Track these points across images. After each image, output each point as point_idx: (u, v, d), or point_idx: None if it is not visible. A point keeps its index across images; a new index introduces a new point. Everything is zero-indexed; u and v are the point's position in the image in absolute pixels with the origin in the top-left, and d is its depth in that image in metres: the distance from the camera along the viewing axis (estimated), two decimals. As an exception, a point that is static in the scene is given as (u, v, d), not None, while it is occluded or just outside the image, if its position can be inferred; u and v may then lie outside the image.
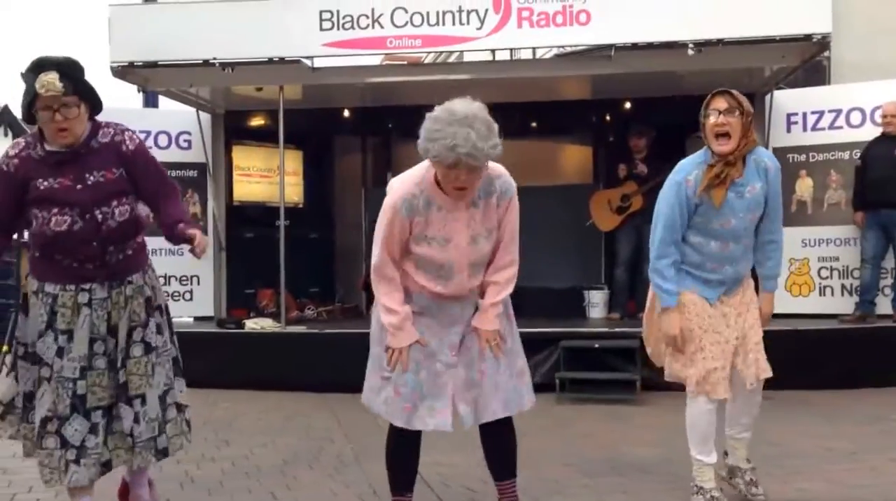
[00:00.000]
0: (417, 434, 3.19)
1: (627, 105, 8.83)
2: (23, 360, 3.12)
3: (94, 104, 3.11)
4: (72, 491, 3.15)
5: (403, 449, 3.24)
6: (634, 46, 6.78)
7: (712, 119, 3.41)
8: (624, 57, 6.85)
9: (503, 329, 3.18)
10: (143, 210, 3.22)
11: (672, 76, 7.49)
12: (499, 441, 3.23)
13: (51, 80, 2.90)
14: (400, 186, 3.04)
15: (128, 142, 3.14)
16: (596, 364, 6.73)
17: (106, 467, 3.13)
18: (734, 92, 3.46)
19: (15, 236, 3.23)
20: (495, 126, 2.89)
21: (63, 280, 3.03)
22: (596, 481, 4.09)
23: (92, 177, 3.02)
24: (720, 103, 3.42)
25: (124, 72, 7.40)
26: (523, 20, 6.78)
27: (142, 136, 9.10)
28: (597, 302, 8.43)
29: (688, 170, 3.49)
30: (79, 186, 3.00)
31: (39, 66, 2.94)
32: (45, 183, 2.99)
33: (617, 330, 7.23)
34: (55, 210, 2.96)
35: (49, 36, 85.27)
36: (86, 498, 3.19)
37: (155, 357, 3.16)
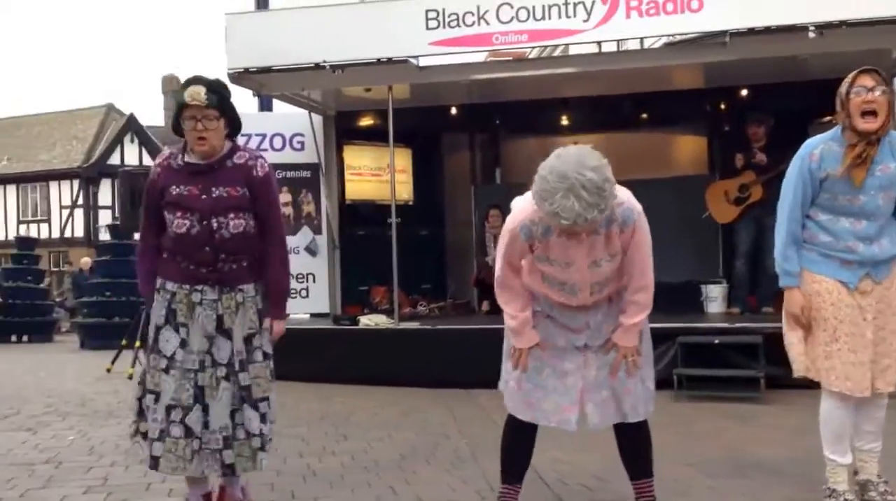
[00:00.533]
0: (533, 428, 3.22)
1: (744, 92, 8.55)
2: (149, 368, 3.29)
3: (234, 123, 3.32)
4: (189, 481, 3.34)
5: (517, 441, 3.27)
6: (751, 31, 6.55)
7: (861, 96, 3.25)
8: (739, 43, 6.62)
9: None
10: None
11: (792, 61, 7.20)
12: (632, 441, 3.24)
13: (197, 92, 3.16)
14: (520, 211, 3.05)
15: (259, 168, 3.31)
16: (715, 360, 6.54)
17: (229, 470, 3.25)
18: (880, 70, 3.32)
19: None
20: (608, 184, 2.73)
21: (180, 279, 3.24)
22: (720, 483, 3.97)
23: (217, 191, 3.23)
24: (867, 80, 3.26)
25: (240, 77, 7.67)
26: (631, 10, 6.66)
27: (257, 140, 9.51)
28: (715, 296, 8.19)
29: (813, 145, 3.37)
30: (203, 196, 3.21)
31: (191, 81, 3.22)
32: (178, 189, 3.24)
33: (738, 325, 7.00)
34: (179, 214, 3.20)
35: (173, 48, 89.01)
36: (199, 489, 3.35)
37: (272, 364, 3.32)
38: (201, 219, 3.18)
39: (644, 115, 9.33)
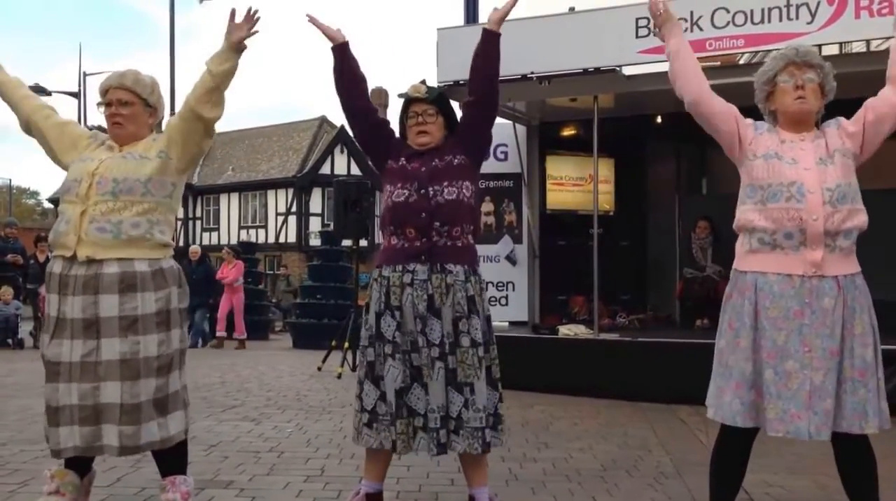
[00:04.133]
0: (748, 442, 3.02)
1: None
2: (373, 359, 3.40)
3: (452, 124, 3.57)
4: (369, 473, 3.45)
5: (730, 457, 3.07)
6: None
7: None
8: None
9: (867, 320, 2.87)
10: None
11: None
12: (854, 464, 2.95)
13: (418, 86, 3.51)
14: None
15: None
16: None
17: (442, 449, 3.32)
18: None
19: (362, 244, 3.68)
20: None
21: (394, 261, 3.38)
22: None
23: (434, 163, 3.44)
24: None
25: (450, 91, 7.89)
26: (861, 10, 6.25)
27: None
28: (947, 317, 7.48)
29: None
30: (423, 168, 3.42)
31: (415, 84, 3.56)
32: (401, 161, 3.48)
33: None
34: (399, 184, 3.41)
35: (383, 62, 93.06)
36: (372, 486, 3.43)
37: (482, 352, 3.33)
38: (420, 187, 3.36)
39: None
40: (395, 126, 3.67)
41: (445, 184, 3.37)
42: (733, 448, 3.06)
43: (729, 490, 3.13)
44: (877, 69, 7.06)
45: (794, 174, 2.87)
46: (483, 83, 3.55)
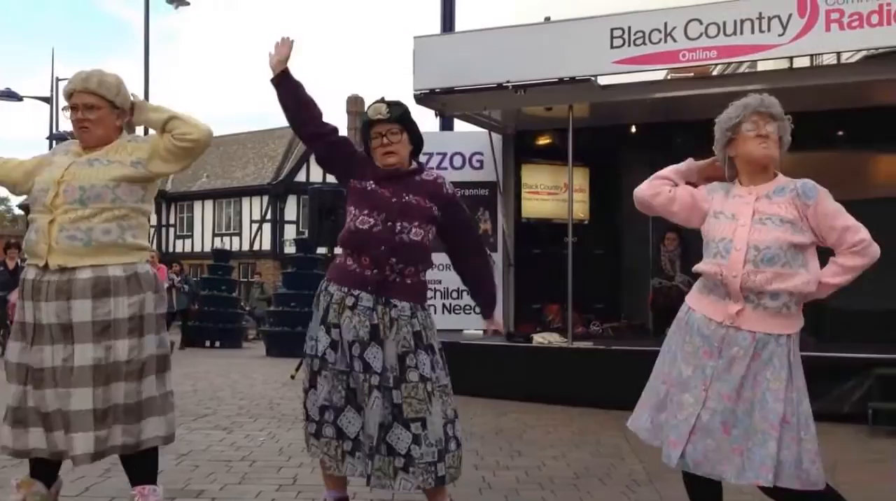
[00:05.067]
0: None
1: (953, 109, 7.90)
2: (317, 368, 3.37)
3: (416, 138, 3.47)
4: (329, 482, 3.42)
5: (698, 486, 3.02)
6: (964, 43, 6.08)
7: None
8: (951, 55, 6.17)
9: (783, 376, 2.82)
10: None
11: None
12: None
13: (379, 107, 3.37)
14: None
15: (448, 187, 3.49)
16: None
17: (387, 484, 3.24)
18: None
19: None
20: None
21: (342, 281, 3.33)
22: (921, 525, 3.70)
23: (407, 198, 3.34)
24: None
25: (426, 98, 7.94)
26: (832, 23, 6.35)
27: (438, 158, 9.78)
28: (919, 326, 7.60)
29: None
30: (394, 199, 3.33)
31: (374, 102, 3.43)
32: (369, 184, 3.37)
33: (943, 358, 6.47)
34: (366, 210, 3.31)
35: (358, 70, 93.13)
36: (337, 492, 3.42)
37: (431, 386, 3.27)
38: (386, 219, 3.27)
39: (840, 133, 8.81)
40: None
41: (416, 224, 3.30)
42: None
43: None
44: (847, 81, 7.23)
45: (728, 230, 2.91)
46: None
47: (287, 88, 3.45)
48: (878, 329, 7.50)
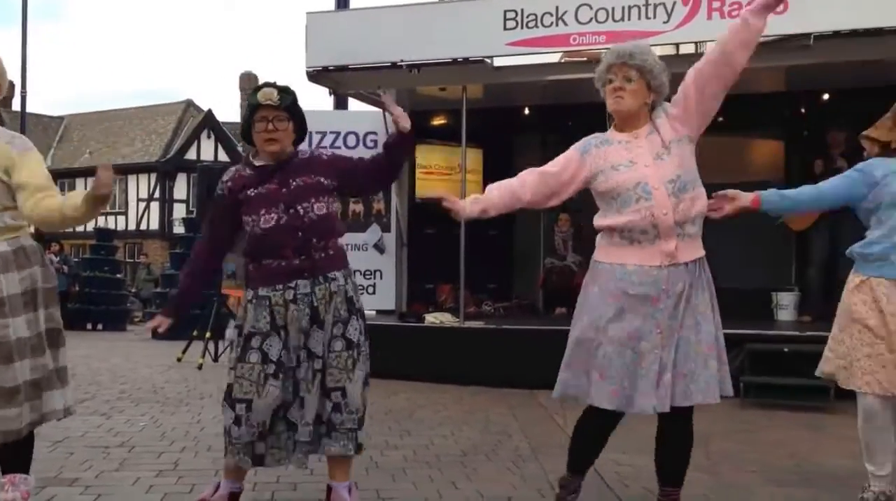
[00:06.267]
0: (614, 420, 3.13)
1: (825, 97, 8.32)
2: (232, 382, 3.27)
3: (301, 128, 3.43)
4: (228, 472, 3.36)
5: (593, 432, 3.19)
6: (836, 34, 6.38)
7: None
8: (823, 46, 6.46)
9: (707, 299, 3.03)
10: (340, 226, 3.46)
11: (876, 65, 6.98)
12: (675, 444, 3.12)
13: (270, 93, 3.30)
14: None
15: (324, 153, 3.53)
16: (784, 368, 6.40)
17: (313, 450, 3.30)
18: None
19: None
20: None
21: (273, 281, 3.27)
22: (785, 490, 3.90)
23: (294, 182, 3.32)
24: None
25: (318, 76, 7.80)
26: (713, 11, 6.56)
27: (332, 137, 9.63)
28: (786, 304, 8.02)
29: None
30: (283, 189, 3.30)
31: (263, 86, 3.36)
32: (255, 191, 3.31)
33: (808, 333, 6.83)
34: (263, 210, 3.26)
35: (252, 46, 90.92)
36: (234, 483, 3.35)
37: (356, 354, 3.30)
38: (287, 207, 3.25)
39: (720, 119, 9.12)
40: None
41: (313, 200, 3.28)
42: (597, 427, 3.17)
43: (586, 461, 3.28)
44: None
45: (636, 175, 2.99)
46: (392, 173, 3.54)
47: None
48: (749, 306, 7.87)
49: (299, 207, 3.26)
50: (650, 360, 2.96)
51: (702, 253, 3.06)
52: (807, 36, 6.46)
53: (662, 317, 2.97)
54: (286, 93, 3.33)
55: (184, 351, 9.40)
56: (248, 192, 3.30)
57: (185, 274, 3.50)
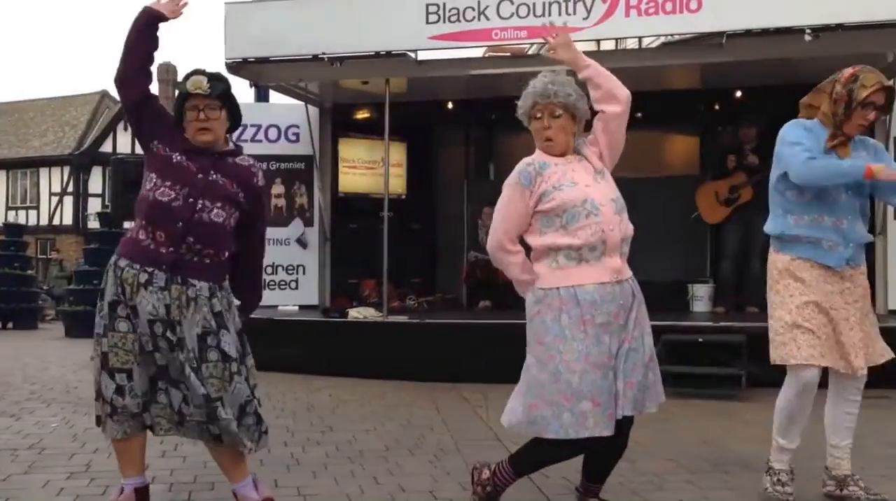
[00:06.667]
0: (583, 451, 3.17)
1: (738, 94, 8.56)
2: (107, 350, 3.16)
3: (235, 115, 3.31)
4: (127, 468, 3.29)
5: (564, 458, 3.21)
6: (748, 33, 6.58)
7: (869, 114, 3.38)
8: (736, 44, 6.65)
9: (645, 312, 3.14)
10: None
11: (787, 63, 7.22)
12: (613, 451, 3.20)
13: (200, 81, 3.18)
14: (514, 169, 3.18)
15: (260, 179, 3.37)
16: (699, 358, 6.58)
17: (150, 429, 3.23)
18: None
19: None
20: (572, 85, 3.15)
21: (134, 258, 3.15)
22: (699, 477, 4.00)
23: (214, 176, 3.20)
24: (879, 98, 3.36)
25: (238, 67, 7.65)
26: (631, 9, 6.68)
27: (252, 130, 9.48)
28: (701, 295, 8.24)
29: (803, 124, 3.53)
30: (199, 175, 3.17)
31: (193, 73, 3.23)
32: (175, 155, 3.19)
33: (722, 324, 7.05)
34: (169, 182, 3.14)
35: (170, 37, 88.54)
36: (135, 480, 3.28)
37: (236, 366, 3.19)
38: (188, 196, 3.13)
39: (639, 114, 9.32)
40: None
41: (218, 205, 3.17)
42: (571, 454, 3.17)
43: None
44: (646, 65, 7.64)
45: (582, 193, 3.03)
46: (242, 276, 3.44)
47: (152, 29, 3.28)
48: (666, 298, 8.06)
49: (199, 202, 3.14)
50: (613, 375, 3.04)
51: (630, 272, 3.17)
52: (720, 35, 6.63)
53: (619, 332, 3.03)
54: (218, 81, 3.22)
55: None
56: (173, 154, 3.18)
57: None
